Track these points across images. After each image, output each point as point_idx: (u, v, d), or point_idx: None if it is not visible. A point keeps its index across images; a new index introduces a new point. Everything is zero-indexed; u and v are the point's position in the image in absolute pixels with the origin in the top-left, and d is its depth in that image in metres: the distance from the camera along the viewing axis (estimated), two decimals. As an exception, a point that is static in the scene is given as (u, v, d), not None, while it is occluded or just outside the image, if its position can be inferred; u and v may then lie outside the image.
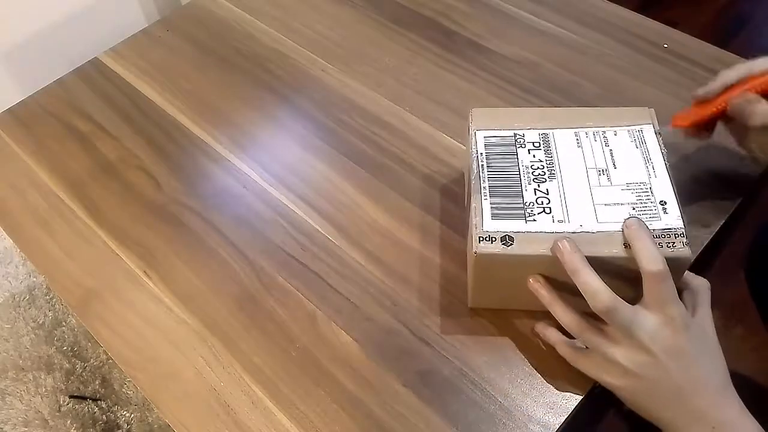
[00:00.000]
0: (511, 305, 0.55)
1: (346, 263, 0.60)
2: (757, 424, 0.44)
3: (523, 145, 0.53)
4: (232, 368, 0.54)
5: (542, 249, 0.47)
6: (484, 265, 0.49)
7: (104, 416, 0.85)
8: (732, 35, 1.66)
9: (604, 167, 0.51)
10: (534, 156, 0.52)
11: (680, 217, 0.47)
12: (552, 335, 0.51)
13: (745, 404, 0.45)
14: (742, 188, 0.62)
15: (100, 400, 0.87)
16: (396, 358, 0.54)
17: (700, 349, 0.45)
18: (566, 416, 0.50)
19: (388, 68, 0.76)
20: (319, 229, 0.62)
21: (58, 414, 0.84)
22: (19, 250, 0.85)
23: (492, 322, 0.55)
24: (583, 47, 0.76)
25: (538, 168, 0.51)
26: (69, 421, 0.83)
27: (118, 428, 0.85)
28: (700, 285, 0.49)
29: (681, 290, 0.47)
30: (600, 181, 0.50)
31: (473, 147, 0.53)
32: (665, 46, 0.75)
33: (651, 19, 0.78)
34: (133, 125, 0.73)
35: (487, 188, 0.51)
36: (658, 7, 1.62)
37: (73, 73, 0.80)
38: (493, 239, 0.48)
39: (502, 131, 0.54)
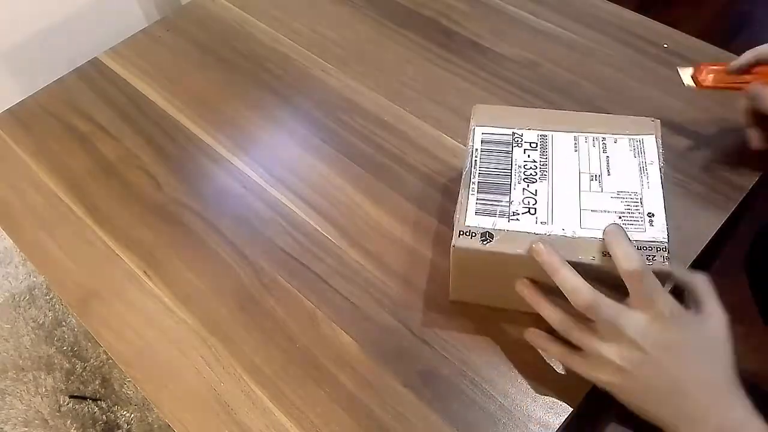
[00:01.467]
0: (492, 302, 0.55)
1: (346, 263, 0.60)
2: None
3: (520, 145, 0.53)
4: (232, 368, 0.54)
5: (520, 249, 0.47)
6: (461, 259, 0.49)
7: (104, 416, 0.85)
8: (732, 35, 1.66)
9: (598, 173, 0.50)
10: (528, 156, 0.52)
11: (665, 231, 0.46)
12: (542, 340, 0.50)
13: None
14: (742, 188, 0.62)
15: (100, 400, 0.87)
16: (396, 358, 0.54)
17: (699, 345, 0.44)
18: (566, 416, 0.50)
19: (388, 68, 0.76)
20: (319, 229, 0.62)
21: (58, 414, 0.84)
22: (19, 250, 0.85)
23: (492, 322, 0.55)
24: (583, 47, 0.76)
25: (531, 168, 0.51)
26: (69, 421, 0.83)
27: (118, 428, 0.85)
28: (699, 281, 0.48)
29: (682, 291, 0.46)
30: (591, 187, 0.50)
31: (470, 143, 0.54)
32: (665, 46, 0.75)
33: (651, 19, 0.78)
34: (133, 125, 0.73)
35: (476, 184, 0.51)
36: (658, 7, 1.62)
37: (73, 73, 0.80)
38: (473, 234, 0.48)
39: (501, 129, 0.54)
